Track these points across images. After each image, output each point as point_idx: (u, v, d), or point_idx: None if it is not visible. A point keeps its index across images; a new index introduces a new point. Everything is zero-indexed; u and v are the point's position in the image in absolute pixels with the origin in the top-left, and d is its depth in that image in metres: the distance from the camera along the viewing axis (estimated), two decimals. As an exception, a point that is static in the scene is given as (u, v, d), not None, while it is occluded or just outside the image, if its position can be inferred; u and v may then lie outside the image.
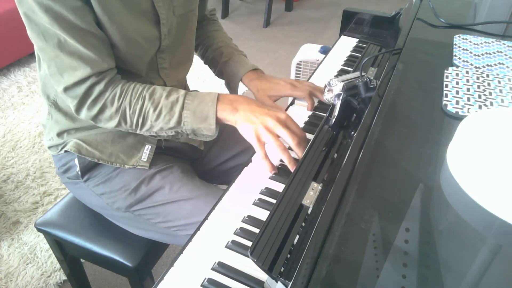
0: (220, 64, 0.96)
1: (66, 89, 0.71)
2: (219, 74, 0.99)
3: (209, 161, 1.01)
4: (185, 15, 0.82)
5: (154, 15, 0.76)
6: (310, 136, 0.81)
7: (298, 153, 0.71)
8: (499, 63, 0.75)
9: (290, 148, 0.72)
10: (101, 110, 0.73)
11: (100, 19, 0.69)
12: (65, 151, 0.86)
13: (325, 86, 0.79)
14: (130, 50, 0.75)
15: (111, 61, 0.73)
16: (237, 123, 0.73)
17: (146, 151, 0.85)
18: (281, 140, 0.71)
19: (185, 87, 0.95)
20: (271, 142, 0.70)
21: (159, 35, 0.78)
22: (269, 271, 0.51)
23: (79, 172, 0.85)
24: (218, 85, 2.33)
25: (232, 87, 0.96)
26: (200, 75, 2.40)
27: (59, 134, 0.86)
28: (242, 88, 2.25)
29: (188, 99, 0.74)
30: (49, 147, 0.89)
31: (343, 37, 1.19)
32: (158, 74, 0.84)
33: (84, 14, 0.66)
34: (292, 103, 0.93)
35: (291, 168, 0.70)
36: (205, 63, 1.03)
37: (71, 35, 0.66)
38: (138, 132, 0.77)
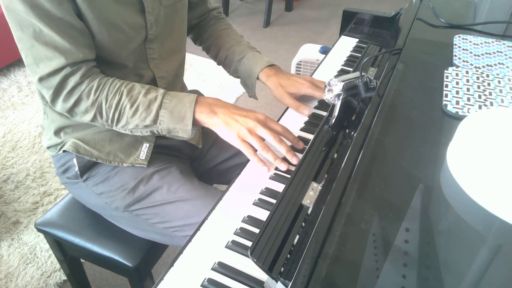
0: (235, 63, 0.96)
1: (41, 79, 0.71)
2: (234, 73, 0.98)
3: (208, 161, 1.01)
4: (173, 5, 0.82)
5: (139, 4, 0.76)
6: (310, 136, 0.82)
7: (281, 150, 0.72)
8: (499, 63, 0.75)
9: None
10: (77, 103, 0.73)
11: (79, 6, 0.68)
12: (64, 151, 0.86)
13: (325, 86, 0.79)
14: (113, 37, 0.74)
15: (89, 52, 0.72)
16: (216, 126, 0.74)
17: (144, 149, 0.85)
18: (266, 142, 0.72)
19: (175, 78, 0.93)
20: (254, 143, 0.71)
21: (144, 24, 0.78)
22: (269, 271, 0.51)
23: (78, 172, 0.85)
24: (218, 85, 2.33)
25: (249, 85, 0.95)
26: (200, 75, 2.40)
27: (56, 133, 0.86)
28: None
29: (167, 99, 0.74)
30: (48, 147, 0.89)
31: (343, 37, 1.19)
32: (147, 65, 0.84)
33: (60, 1, 0.66)
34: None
35: (278, 164, 0.72)
36: (218, 64, 1.03)
37: (46, 25, 0.66)
38: (114, 128, 0.76)
